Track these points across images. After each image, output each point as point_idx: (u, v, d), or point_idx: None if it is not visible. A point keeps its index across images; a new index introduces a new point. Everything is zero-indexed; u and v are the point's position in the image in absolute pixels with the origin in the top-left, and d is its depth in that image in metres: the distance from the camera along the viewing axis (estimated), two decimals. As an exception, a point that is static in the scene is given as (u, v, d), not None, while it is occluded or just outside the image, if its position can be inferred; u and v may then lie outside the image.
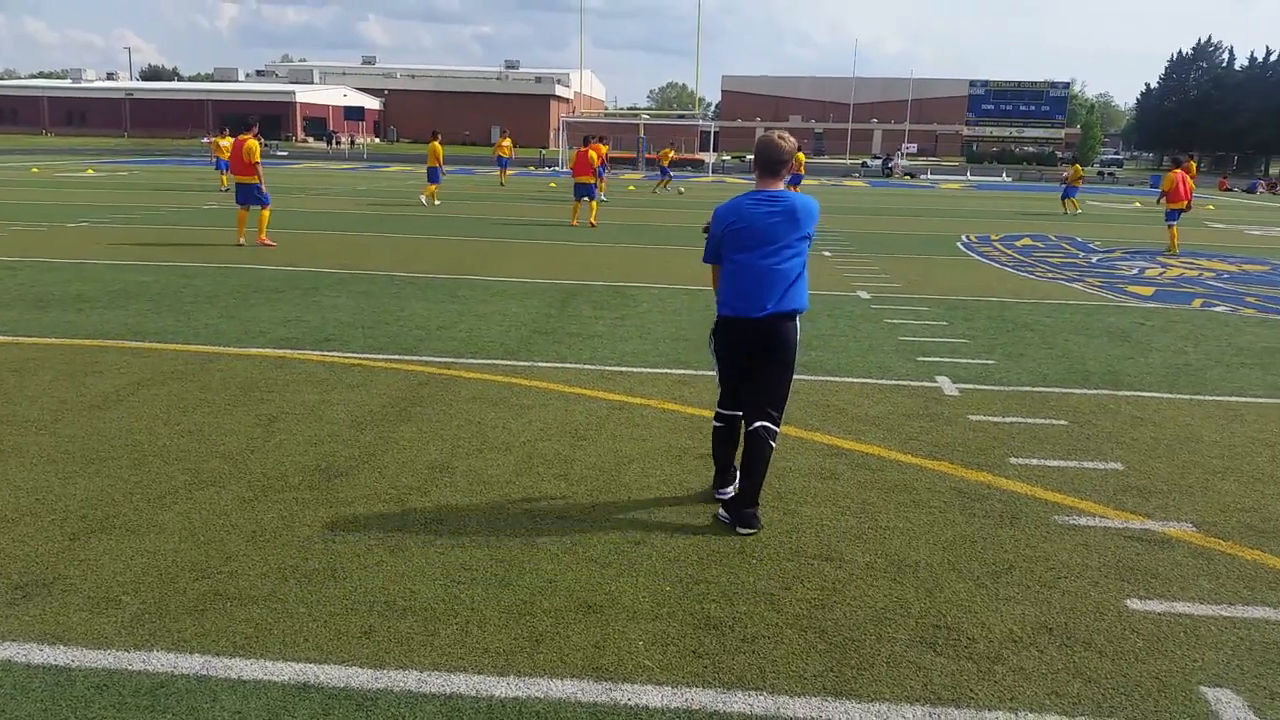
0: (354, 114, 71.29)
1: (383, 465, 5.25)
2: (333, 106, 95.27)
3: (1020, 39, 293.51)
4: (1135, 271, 15.14)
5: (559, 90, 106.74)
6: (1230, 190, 52.55)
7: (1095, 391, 7.33)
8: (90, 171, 37.44)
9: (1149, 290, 12.97)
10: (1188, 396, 7.29)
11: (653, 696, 3.14)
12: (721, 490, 4.87)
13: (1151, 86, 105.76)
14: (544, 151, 70.18)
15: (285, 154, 62.66)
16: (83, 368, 7.15)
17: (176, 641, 3.39)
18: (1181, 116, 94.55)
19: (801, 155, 29.53)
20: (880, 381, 7.47)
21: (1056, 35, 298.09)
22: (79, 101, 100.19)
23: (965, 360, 8.26)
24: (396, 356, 7.79)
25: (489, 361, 7.71)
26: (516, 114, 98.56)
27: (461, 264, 13.56)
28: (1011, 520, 4.74)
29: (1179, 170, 19.10)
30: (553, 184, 37.56)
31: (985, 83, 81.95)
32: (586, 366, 7.65)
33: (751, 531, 4.50)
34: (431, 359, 7.73)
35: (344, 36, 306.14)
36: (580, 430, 5.96)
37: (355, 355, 7.80)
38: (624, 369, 7.61)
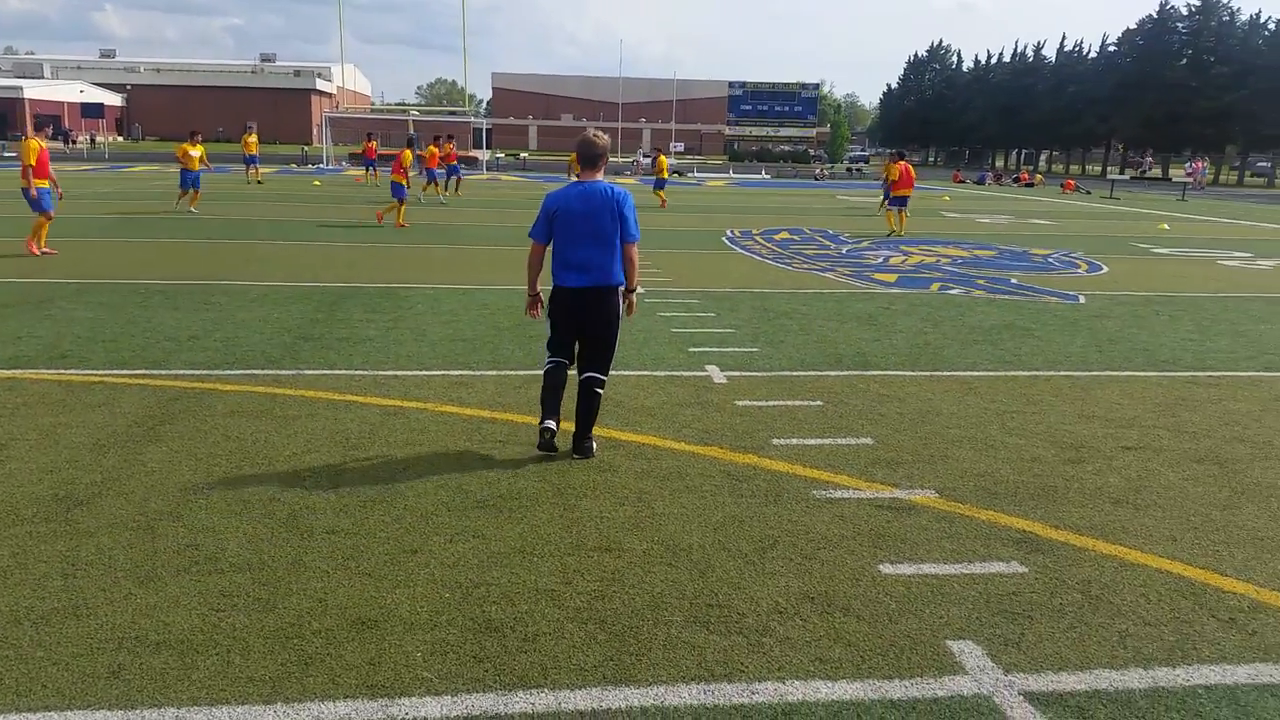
0: (93, 111, 65.43)
1: (129, 490, 4.86)
2: (68, 103, 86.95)
3: (775, 41, 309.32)
4: (881, 260, 16.31)
5: (321, 84, 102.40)
6: (963, 182, 57.65)
7: (847, 373, 7.85)
8: None
9: (893, 277, 14.01)
10: (928, 373, 7.93)
11: (431, 708, 3.08)
12: (545, 422, 5.43)
13: (892, 87, 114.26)
14: (307, 148, 67.11)
15: (14, 155, 56.68)
16: None
17: (-117, 706, 3.00)
18: (919, 114, 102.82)
19: (665, 159, 30.82)
20: (655, 373, 7.66)
21: (808, 38, 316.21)
22: None
23: (732, 349, 8.62)
24: (143, 371, 7.23)
25: (249, 372, 7.30)
26: (276, 109, 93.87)
27: (218, 268, 12.76)
28: (776, 498, 4.99)
29: (902, 162, 21.79)
30: (317, 182, 36.01)
31: (743, 84, 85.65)
32: (358, 372, 7.40)
33: (589, 458, 5.47)
34: (183, 372, 7.23)
35: (77, 28, 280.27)
36: (351, 439, 5.76)
37: (96, 372, 7.17)
38: (399, 373, 7.41)
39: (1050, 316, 10.87)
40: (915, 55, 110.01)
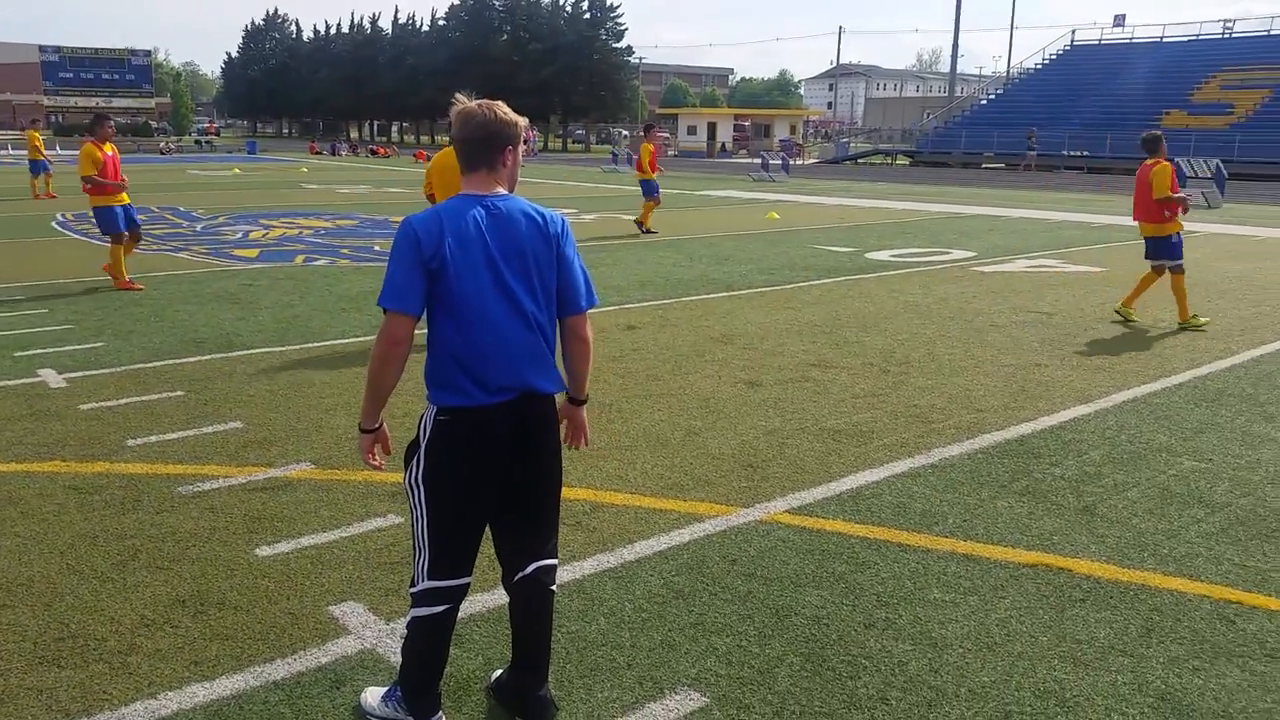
0: None
1: None
2: None
3: (90, 6, 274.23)
4: (240, 235, 15.60)
5: None
6: (320, 154, 57.56)
7: (209, 357, 7.39)
8: None
9: (255, 252, 13.49)
10: (298, 346, 7.80)
11: None
12: None
13: (233, 56, 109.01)
14: None
15: None
16: None
17: None
18: (265, 85, 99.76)
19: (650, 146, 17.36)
20: (-33, 388, 6.45)
21: (129, 4, 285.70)
22: None
23: (71, 347, 7.60)
24: None
25: None
26: None
27: None
28: (134, 504, 4.53)
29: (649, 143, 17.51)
30: None
31: (58, 49, 75.14)
32: None
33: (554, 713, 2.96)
34: None
35: None
36: None
37: None
38: None
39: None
40: (253, 23, 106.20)
